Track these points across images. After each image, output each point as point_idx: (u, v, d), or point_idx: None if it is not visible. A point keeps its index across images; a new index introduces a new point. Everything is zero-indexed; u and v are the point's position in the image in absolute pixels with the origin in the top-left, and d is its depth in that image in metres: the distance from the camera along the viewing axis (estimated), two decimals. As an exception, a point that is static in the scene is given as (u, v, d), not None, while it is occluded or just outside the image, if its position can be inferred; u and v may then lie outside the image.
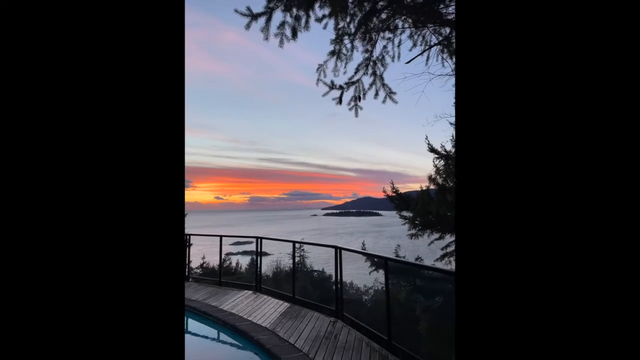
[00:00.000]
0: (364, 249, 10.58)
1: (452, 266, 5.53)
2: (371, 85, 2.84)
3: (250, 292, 5.29)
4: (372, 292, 6.77)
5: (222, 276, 5.93)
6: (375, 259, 5.29)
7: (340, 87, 2.78)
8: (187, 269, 6.23)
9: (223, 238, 6.08)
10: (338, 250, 4.22)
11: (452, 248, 5.67)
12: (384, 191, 9.66)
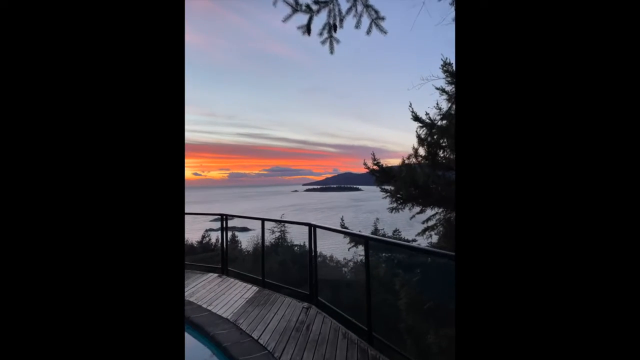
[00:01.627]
0: (343, 224, 10.25)
1: (432, 240, 5.30)
2: (351, 8, 2.12)
3: (216, 275, 4.73)
4: (352, 265, 6.49)
5: (185, 257, 5.32)
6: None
7: (309, 9, 2.05)
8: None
9: (193, 216, 5.43)
10: (312, 228, 3.73)
11: (433, 222, 5.37)
12: (365, 165, 9.18)
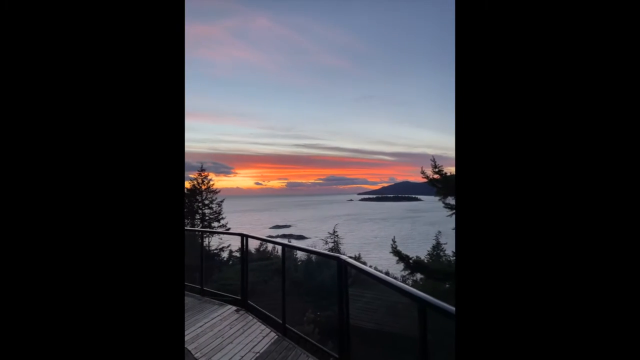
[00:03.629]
0: (394, 242, 8.77)
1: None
2: None
3: (234, 309, 3.91)
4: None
5: (205, 283, 4.63)
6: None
7: None
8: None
9: (238, 230, 4.87)
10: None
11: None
12: (423, 174, 7.74)
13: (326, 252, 3.34)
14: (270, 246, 14.42)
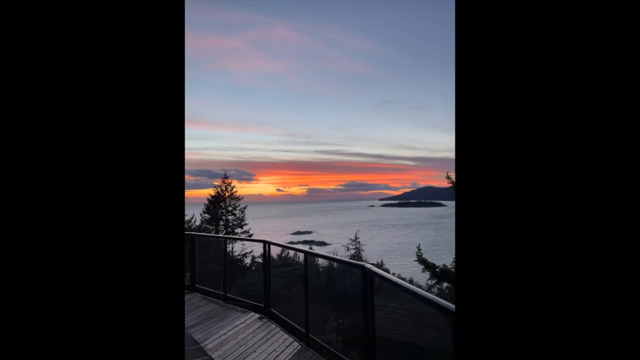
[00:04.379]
0: (420, 249, 8.50)
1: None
2: None
3: (257, 317, 3.90)
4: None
5: (228, 289, 4.66)
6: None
7: None
8: (193, 275, 5.10)
9: (260, 236, 4.91)
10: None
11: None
12: (449, 178, 7.50)
13: (350, 260, 3.26)
14: (291, 252, 14.46)
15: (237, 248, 16.14)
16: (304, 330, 3.27)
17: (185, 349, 3.08)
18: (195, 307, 4.26)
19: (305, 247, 5.11)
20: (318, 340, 3.17)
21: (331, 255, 4.15)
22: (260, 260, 14.84)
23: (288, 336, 3.35)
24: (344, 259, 3.65)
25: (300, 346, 3.12)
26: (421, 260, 6.71)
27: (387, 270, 5.17)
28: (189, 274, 5.64)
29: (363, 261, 6.01)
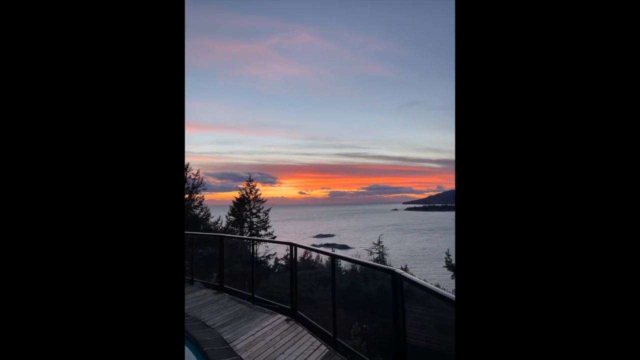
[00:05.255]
0: (449, 255, 8.30)
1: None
2: None
3: (284, 319, 3.93)
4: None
5: (258, 290, 4.74)
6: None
7: None
8: (222, 275, 5.23)
9: (284, 238, 4.95)
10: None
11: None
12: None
13: (380, 264, 3.22)
14: (314, 255, 14.49)
15: (260, 250, 16.40)
16: (331, 334, 3.25)
17: (215, 348, 3.15)
18: (223, 307, 4.36)
19: (329, 250, 5.12)
20: (345, 344, 3.14)
21: (360, 259, 4.11)
22: (283, 262, 15.00)
23: (315, 339, 3.35)
24: (373, 263, 3.60)
25: (328, 350, 3.11)
26: (451, 266, 6.50)
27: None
28: (215, 274, 5.79)
29: (394, 267, 5.92)
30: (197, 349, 3.21)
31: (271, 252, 16.54)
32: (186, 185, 15.99)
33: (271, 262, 16.26)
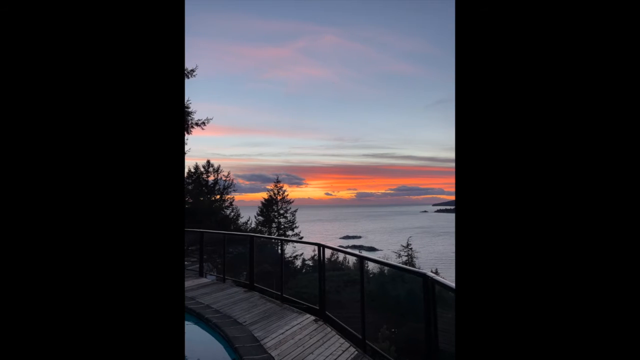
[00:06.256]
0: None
1: None
2: None
3: (312, 319, 3.96)
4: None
5: (285, 290, 4.81)
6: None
7: None
8: (252, 274, 5.38)
9: (311, 239, 5.03)
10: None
11: None
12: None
13: (411, 267, 3.16)
14: (341, 256, 14.44)
15: (288, 250, 16.64)
16: (360, 336, 3.24)
17: (246, 345, 3.25)
18: (254, 305, 4.48)
19: (356, 252, 5.10)
20: (375, 347, 3.11)
21: (389, 262, 4.06)
22: (310, 262, 15.11)
23: (344, 341, 3.34)
24: (403, 266, 3.54)
25: (356, 352, 3.10)
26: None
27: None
28: (245, 273, 5.96)
29: (426, 271, 5.79)
30: (230, 345, 3.32)
31: (298, 252, 16.71)
32: (217, 187, 16.59)
33: (298, 262, 16.43)
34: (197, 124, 9.63)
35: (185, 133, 9.72)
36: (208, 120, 9.79)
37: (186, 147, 11.40)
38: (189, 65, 10.26)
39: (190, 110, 9.56)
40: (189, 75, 9.41)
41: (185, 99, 10.97)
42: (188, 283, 5.62)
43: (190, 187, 15.57)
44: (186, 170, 15.74)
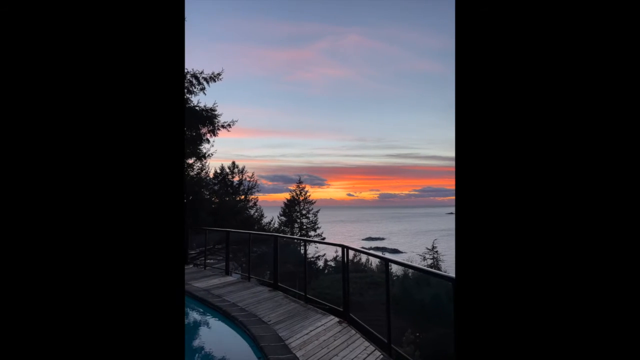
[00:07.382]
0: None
1: None
2: None
3: (336, 320, 3.94)
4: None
5: (308, 290, 4.82)
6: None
7: None
8: (276, 273, 5.44)
9: (332, 240, 5.04)
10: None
11: None
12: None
13: (441, 272, 3.07)
14: (364, 258, 14.29)
15: (310, 250, 16.72)
16: (385, 340, 3.18)
17: (271, 344, 3.28)
18: (278, 305, 4.52)
19: (379, 254, 5.03)
20: (400, 351, 3.04)
21: (414, 265, 3.96)
22: (332, 263, 15.08)
23: (369, 344, 3.30)
24: (431, 269, 3.44)
25: (382, 356, 3.04)
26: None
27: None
28: (268, 272, 6.03)
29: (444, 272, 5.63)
30: (255, 343, 3.37)
31: (320, 253, 16.73)
32: (242, 187, 16.95)
33: (321, 263, 16.45)
34: (223, 126, 9.89)
35: (212, 135, 10.00)
36: (233, 122, 10.03)
37: (212, 149, 11.73)
38: (215, 69, 10.56)
39: (216, 113, 9.83)
40: (215, 79, 9.68)
41: (212, 102, 11.28)
42: (214, 281, 5.78)
43: (216, 187, 16.02)
44: (212, 171, 16.20)
